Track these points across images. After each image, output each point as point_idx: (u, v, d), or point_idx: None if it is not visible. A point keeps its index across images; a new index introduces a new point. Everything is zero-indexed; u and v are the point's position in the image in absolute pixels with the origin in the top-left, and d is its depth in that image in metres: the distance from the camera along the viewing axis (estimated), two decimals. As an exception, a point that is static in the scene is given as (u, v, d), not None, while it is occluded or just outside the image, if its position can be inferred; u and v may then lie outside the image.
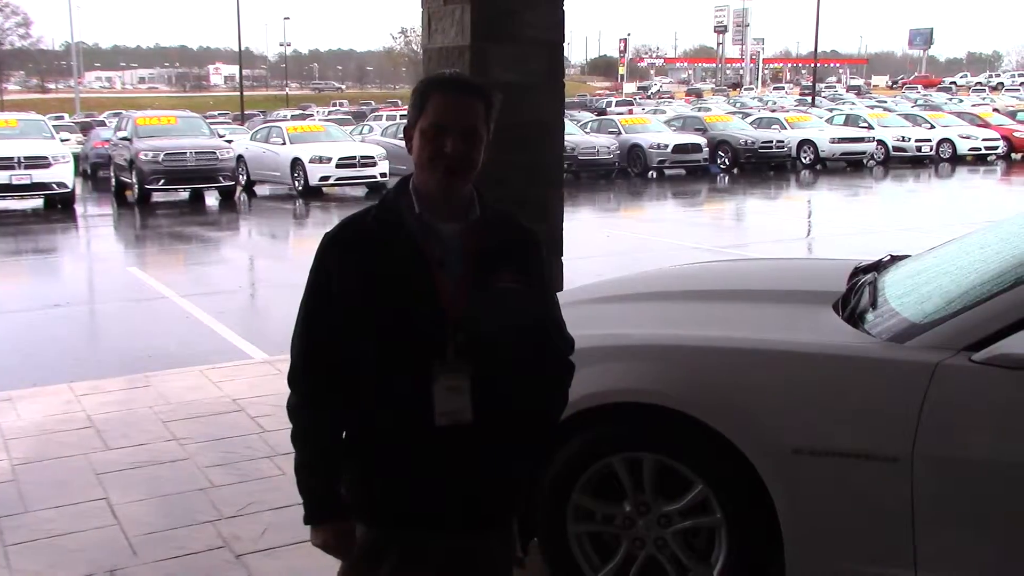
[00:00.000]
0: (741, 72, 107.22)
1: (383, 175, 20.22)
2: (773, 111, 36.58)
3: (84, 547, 3.75)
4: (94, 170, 25.12)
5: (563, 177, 4.76)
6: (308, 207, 19.09)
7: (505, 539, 2.12)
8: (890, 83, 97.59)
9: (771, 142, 26.32)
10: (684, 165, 24.81)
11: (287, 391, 2.04)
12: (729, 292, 3.82)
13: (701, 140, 25.34)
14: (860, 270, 3.72)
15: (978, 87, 70.25)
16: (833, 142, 26.87)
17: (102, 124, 33.28)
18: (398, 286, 1.92)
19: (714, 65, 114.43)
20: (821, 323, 3.12)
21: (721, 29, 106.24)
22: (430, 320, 1.92)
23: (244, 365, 6.62)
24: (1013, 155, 29.34)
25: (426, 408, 1.93)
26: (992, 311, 2.69)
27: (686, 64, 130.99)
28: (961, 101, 48.18)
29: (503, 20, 4.11)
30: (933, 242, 4.08)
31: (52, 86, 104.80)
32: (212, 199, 19.73)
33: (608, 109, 46.04)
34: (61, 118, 41.66)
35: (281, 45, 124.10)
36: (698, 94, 76.84)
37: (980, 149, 28.42)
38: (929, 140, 28.28)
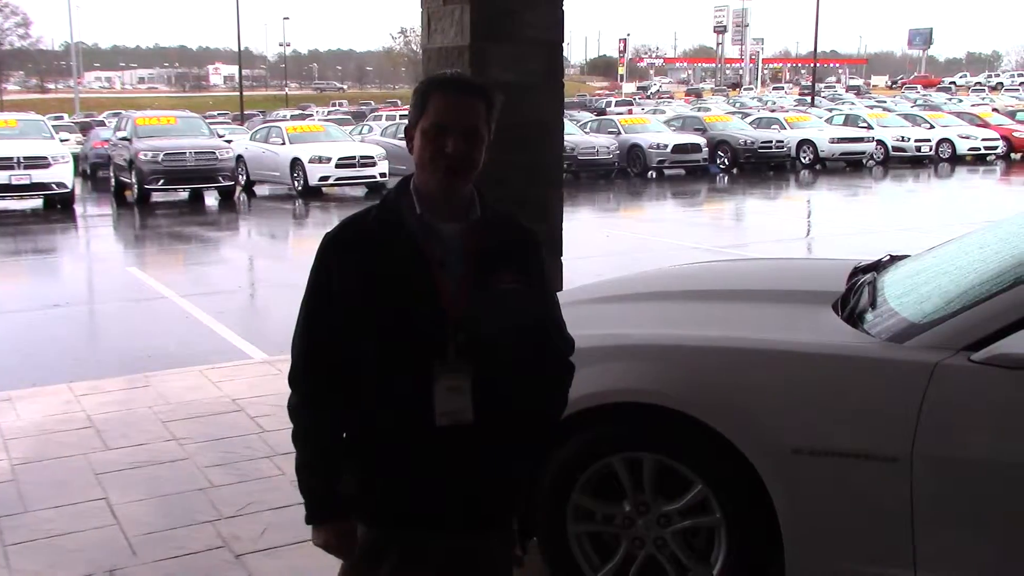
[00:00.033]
0: (740, 72, 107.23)
1: (383, 175, 20.22)
2: (772, 111, 36.58)
3: (83, 547, 3.75)
4: (93, 170, 25.12)
5: (563, 177, 4.76)
6: (307, 207, 19.08)
7: (505, 539, 2.12)
8: (889, 83, 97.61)
9: (770, 142, 26.33)
10: (683, 165, 24.81)
11: (287, 391, 2.04)
12: (729, 292, 3.82)
13: (701, 140, 25.35)
14: (859, 270, 3.72)
15: (977, 87, 70.27)
16: (832, 142, 26.88)
17: (101, 124, 33.27)
18: (399, 286, 1.92)
19: (713, 65, 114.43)
20: (820, 323, 3.13)
21: (720, 29, 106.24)
22: (431, 320, 1.93)
23: (244, 365, 6.62)
24: (1012, 155, 29.35)
25: (427, 408, 1.93)
26: (991, 311, 2.69)
27: (686, 64, 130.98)
28: (960, 101, 48.21)
29: (503, 20, 4.11)
30: (932, 242, 4.08)
31: (51, 86, 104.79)
32: (212, 199, 19.73)
33: (608, 109, 46.03)
34: (60, 118, 41.62)
35: (281, 45, 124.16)
36: (697, 94, 76.86)
37: (979, 149, 28.43)
38: (928, 140, 28.29)
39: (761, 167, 26.17)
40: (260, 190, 21.85)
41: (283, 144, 21.06)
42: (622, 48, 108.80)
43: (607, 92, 78.50)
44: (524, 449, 2.07)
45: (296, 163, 20.21)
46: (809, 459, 2.76)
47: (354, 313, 1.93)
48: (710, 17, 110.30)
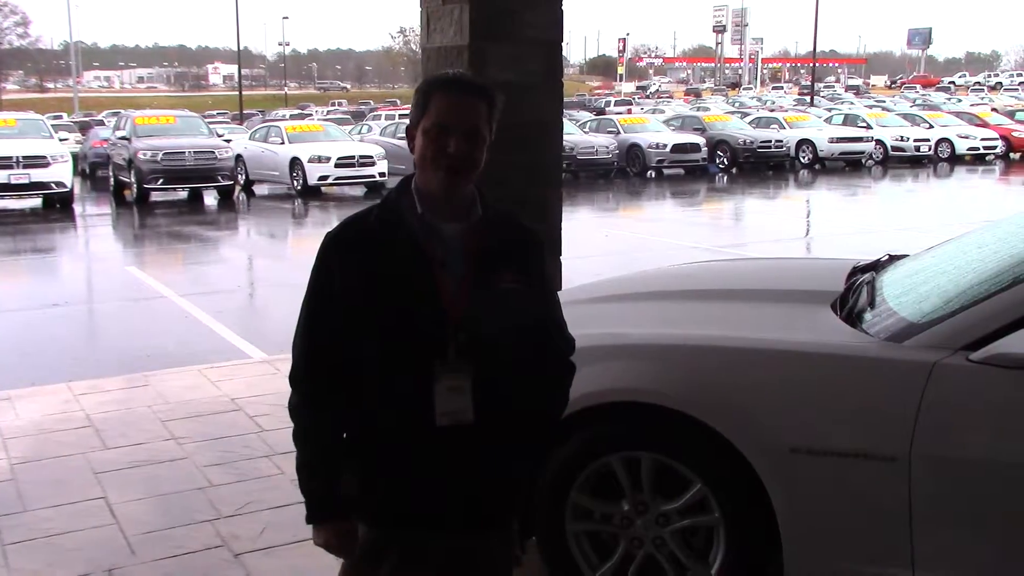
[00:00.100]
0: (740, 72, 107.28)
1: (382, 175, 20.21)
2: (772, 111, 36.57)
3: (82, 546, 3.75)
4: (93, 170, 25.11)
5: (562, 177, 4.76)
6: (307, 206, 19.08)
7: (505, 539, 2.12)
8: (889, 83, 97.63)
9: (770, 142, 26.33)
10: (683, 165, 24.81)
11: (286, 390, 2.04)
12: (727, 292, 3.82)
13: (700, 140, 25.35)
14: (858, 270, 3.73)
15: (977, 87, 70.27)
16: (832, 142, 26.89)
17: (101, 124, 33.22)
18: (400, 286, 1.92)
19: (713, 65, 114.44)
20: (819, 323, 3.13)
21: (720, 29, 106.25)
22: (431, 320, 1.93)
23: (243, 364, 6.62)
24: (1012, 155, 29.37)
25: (427, 408, 1.93)
26: (990, 310, 2.69)
27: (685, 64, 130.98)
28: (960, 101, 48.23)
29: (502, 20, 4.11)
30: (931, 242, 4.08)
31: (51, 85, 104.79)
32: (211, 198, 19.72)
33: (607, 109, 46.03)
34: (60, 117, 41.59)
35: (280, 44, 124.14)
36: (697, 94, 76.84)
37: (978, 149, 28.44)
38: (928, 140, 28.30)
39: (760, 167, 26.18)
40: (259, 189, 21.85)
41: (282, 144, 21.06)
42: (621, 48, 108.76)
43: (604, 92, 78.32)
44: (524, 449, 2.07)
45: (295, 163, 20.21)
46: (808, 458, 2.76)
47: (355, 313, 1.93)
48: (709, 17, 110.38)
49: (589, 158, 23.60)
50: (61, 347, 7.60)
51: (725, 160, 26.03)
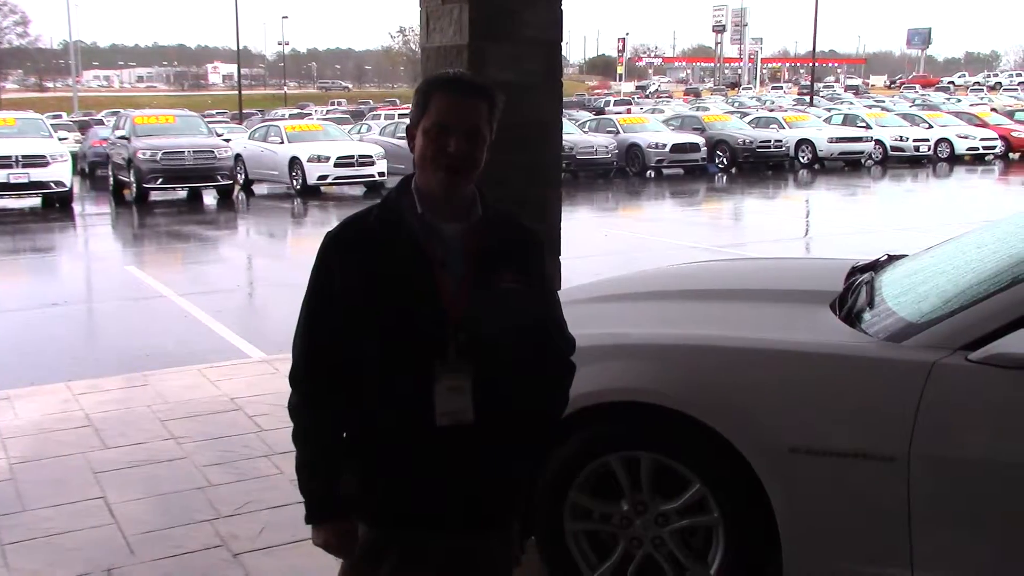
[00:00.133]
0: (739, 71, 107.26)
1: (381, 174, 20.22)
2: (771, 111, 36.58)
3: (81, 546, 3.75)
4: (92, 169, 25.10)
5: (561, 177, 4.76)
6: (306, 206, 19.08)
7: (505, 539, 2.12)
8: (888, 83, 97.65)
9: (769, 142, 26.34)
10: (682, 164, 24.81)
11: (285, 390, 2.04)
12: (727, 292, 3.83)
13: (699, 140, 25.35)
14: (857, 269, 3.73)
15: (976, 87, 70.26)
16: (831, 142, 26.90)
17: (100, 123, 33.22)
18: (400, 286, 1.92)
19: (712, 64, 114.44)
20: (818, 322, 3.13)
21: (719, 28, 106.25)
22: (431, 320, 1.93)
23: (242, 364, 6.62)
24: (1011, 155, 29.38)
25: (427, 408, 1.93)
26: (989, 310, 2.69)
27: (684, 63, 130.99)
28: (959, 101, 48.23)
29: (502, 19, 4.11)
30: (930, 242, 4.08)
31: (50, 85, 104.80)
32: (210, 198, 19.72)
33: (606, 108, 46.04)
34: (59, 117, 41.55)
35: (279, 44, 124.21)
36: (696, 93, 76.84)
37: (978, 149, 28.45)
38: (927, 140, 28.31)
39: (759, 167, 26.18)
40: (259, 189, 21.85)
41: (282, 143, 21.06)
42: (621, 47, 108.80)
43: (601, 92, 78.21)
44: (525, 449, 2.07)
45: (295, 162, 20.21)
46: (807, 458, 2.77)
47: (355, 313, 1.93)
48: (709, 16, 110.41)
49: (588, 158, 23.60)
50: (60, 347, 7.60)
51: (724, 160, 26.03)
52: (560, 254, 4.64)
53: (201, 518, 3.99)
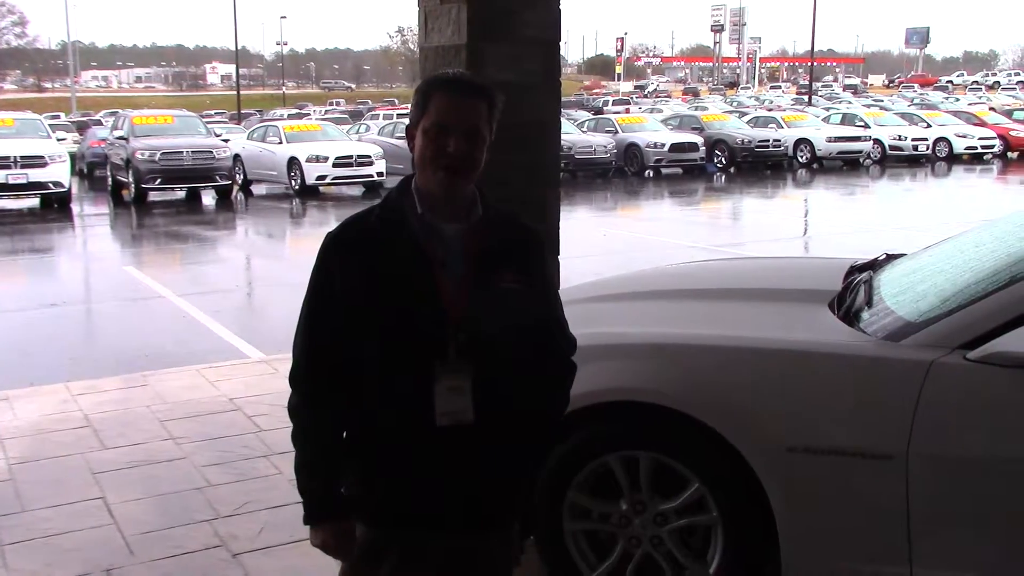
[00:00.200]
0: (738, 71, 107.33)
1: (380, 174, 20.22)
2: (770, 110, 36.62)
3: (81, 546, 3.75)
4: (90, 169, 25.08)
5: (560, 177, 4.76)
6: (305, 206, 19.07)
7: (505, 539, 2.12)
8: (887, 82, 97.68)
9: (768, 141, 26.34)
10: (681, 164, 24.83)
11: (284, 390, 2.04)
12: (725, 291, 3.83)
13: (698, 139, 25.36)
14: (856, 269, 3.73)
15: (974, 86, 70.29)
16: (830, 141, 26.91)
17: (98, 123, 33.20)
18: (400, 286, 1.92)
19: (711, 64, 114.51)
20: (817, 322, 3.13)
21: (718, 28, 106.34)
22: (432, 320, 1.93)
23: (241, 364, 6.62)
24: (1009, 154, 29.41)
25: (427, 408, 1.93)
26: (987, 309, 2.70)
27: (683, 63, 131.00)
28: (957, 100, 48.25)
29: (500, 19, 4.11)
30: (929, 241, 4.09)
31: (48, 85, 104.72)
32: (209, 198, 19.71)
33: (605, 108, 46.05)
34: (57, 117, 41.54)
35: (278, 44, 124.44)
36: (695, 93, 76.89)
37: (976, 148, 28.47)
38: (925, 139, 28.33)
39: (758, 166, 26.19)
40: (257, 189, 21.84)
41: (280, 143, 21.05)
42: (619, 47, 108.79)
43: (599, 92, 78.13)
44: (525, 449, 2.07)
45: (293, 162, 20.20)
46: (805, 457, 2.77)
47: (356, 313, 1.93)
48: (707, 16, 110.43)
49: (587, 157, 23.61)
50: (59, 347, 7.59)
51: (723, 159, 26.03)
52: (559, 254, 4.65)
53: (200, 518, 3.99)
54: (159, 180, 18.49)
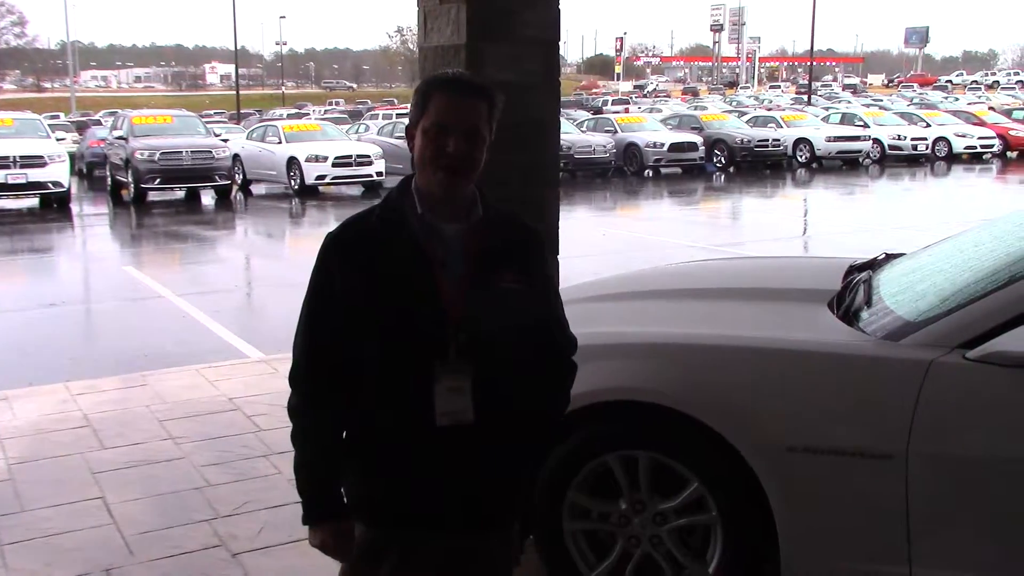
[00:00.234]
0: (737, 71, 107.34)
1: (379, 174, 20.22)
2: (769, 110, 36.62)
3: (80, 546, 3.75)
4: (90, 169, 25.08)
5: (559, 176, 4.76)
6: (304, 206, 19.07)
7: (506, 539, 2.12)
8: (886, 81, 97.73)
9: (767, 141, 26.35)
10: (680, 164, 24.83)
11: (283, 390, 2.04)
12: (724, 290, 3.83)
13: (697, 139, 25.36)
14: (855, 268, 3.73)
15: (974, 85, 70.27)
16: (829, 141, 26.91)
17: (98, 123, 33.20)
18: (400, 286, 1.92)
19: (710, 64, 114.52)
20: (816, 321, 3.13)
21: (717, 28, 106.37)
22: (432, 320, 1.92)
23: (240, 364, 6.62)
24: (1009, 153, 29.42)
25: (427, 408, 1.93)
26: (986, 309, 2.70)
27: (682, 63, 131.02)
28: (957, 99, 48.25)
29: (500, 19, 4.11)
30: (928, 240, 4.09)
31: (48, 85, 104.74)
32: (208, 198, 19.71)
33: (604, 108, 46.05)
34: (57, 117, 41.53)
35: (277, 44, 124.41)
36: (694, 93, 76.88)
37: (976, 147, 28.48)
38: (925, 138, 28.33)
39: (758, 166, 26.19)
40: (257, 189, 21.84)
41: (279, 143, 21.04)
42: (618, 47, 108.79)
43: (597, 93, 78.10)
44: (525, 449, 2.07)
45: (292, 162, 20.20)
46: (804, 457, 2.77)
47: (356, 313, 1.93)
48: (707, 16, 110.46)
49: (586, 157, 23.61)
50: (58, 347, 7.59)
51: (722, 159, 26.03)
52: (558, 254, 4.65)
53: (200, 518, 3.99)
54: (158, 180, 18.49)
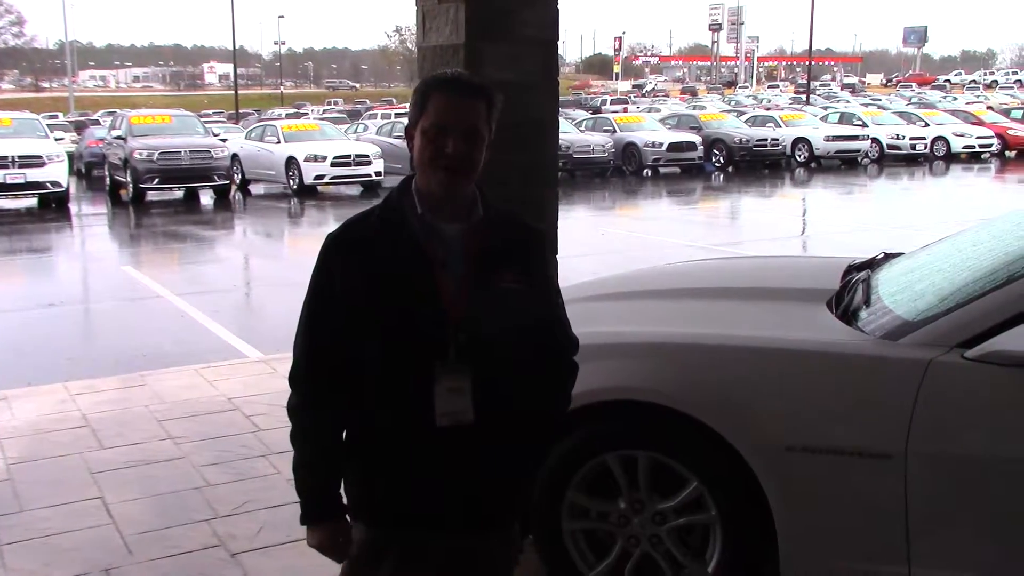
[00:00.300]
0: (736, 70, 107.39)
1: (378, 174, 20.20)
2: (768, 109, 36.61)
3: (79, 546, 3.75)
4: (88, 169, 25.06)
5: (558, 176, 4.76)
6: (303, 206, 19.07)
7: (506, 539, 2.12)
8: (884, 81, 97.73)
9: (766, 140, 26.34)
10: (679, 163, 24.83)
11: (283, 390, 2.04)
12: (723, 290, 3.83)
13: (696, 138, 25.35)
14: (854, 268, 3.74)
15: (972, 85, 70.30)
16: (828, 140, 26.91)
17: (96, 123, 33.16)
18: (400, 286, 1.92)
19: (709, 63, 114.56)
20: (815, 320, 3.13)
21: (716, 27, 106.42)
22: (432, 320, 1.92)
23: (239, 364, 6.61)
24: (1007, 153, 29.43)
25: (427, 408, 1.93)
26: (985, 308, 2.70)
27: (681, 62, 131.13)
28: (955, 99, 48.25)
29: (499, 19, 4.10)
30: (927, 240, 4.09)
31: (46, 85, 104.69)
32: (207, 198, 19.69)
33: (603, 107, 46.04)
34: (55, 117, 41.52)
35: (276, 44, 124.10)
36: (693, 92, 76.88)
37: (974, 147, 28.48)
38: (923, 138, 28.33)
39: (756, 165, 26.18)
40: (255, 189, 21.83)
41: (278, 143, 21.03)
42: (617, 46, 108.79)
43: (596, 93, 78.04)
44: (525, 449, 2.07)
45: (291, 162, 20.19)
46: (803, 456, 2.77)
47: (356, 313, 1.93)
48: (705, 15, 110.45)
49: (585, 157, 23.60)
50: (57, 347, 7.59)
51: (721, 159, 26.03)
52: (557, 253, 4.65)
53: (199, 518, 3.99)
54: (157, 180, 18.48)
